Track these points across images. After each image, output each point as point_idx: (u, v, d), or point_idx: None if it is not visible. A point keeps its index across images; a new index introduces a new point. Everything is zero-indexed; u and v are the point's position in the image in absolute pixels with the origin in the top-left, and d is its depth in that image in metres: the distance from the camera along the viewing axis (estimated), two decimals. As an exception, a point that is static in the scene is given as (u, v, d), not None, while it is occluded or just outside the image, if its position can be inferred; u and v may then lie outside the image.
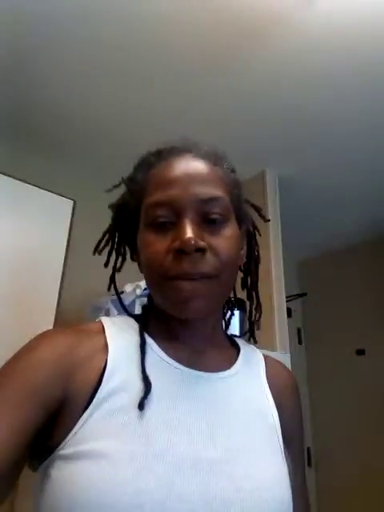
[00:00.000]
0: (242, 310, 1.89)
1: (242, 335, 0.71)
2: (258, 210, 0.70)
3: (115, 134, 2.05)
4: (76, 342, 0.52)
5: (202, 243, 0.51)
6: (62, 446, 0.45)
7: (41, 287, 1.54)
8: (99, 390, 0.48)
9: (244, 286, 0.70)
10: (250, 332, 0.69)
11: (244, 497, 0.46)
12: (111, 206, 0.65)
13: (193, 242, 0.49)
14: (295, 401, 0.66)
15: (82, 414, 0.46)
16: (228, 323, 0.71)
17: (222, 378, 0.57)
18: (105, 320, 0.58)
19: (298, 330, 3.19)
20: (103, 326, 0.56)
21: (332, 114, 1.93)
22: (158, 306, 0.59)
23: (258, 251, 0.69)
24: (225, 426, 0.52)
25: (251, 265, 0.68)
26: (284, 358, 1.88)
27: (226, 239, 0.54)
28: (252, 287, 0.69)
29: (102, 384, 0.48)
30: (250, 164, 2.29)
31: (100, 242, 0.67)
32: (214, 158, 0.59)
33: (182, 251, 0.50)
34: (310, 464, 2.85)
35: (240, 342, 0.67)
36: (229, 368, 0.59)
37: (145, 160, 0.61)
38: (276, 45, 1.59)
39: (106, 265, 0.68)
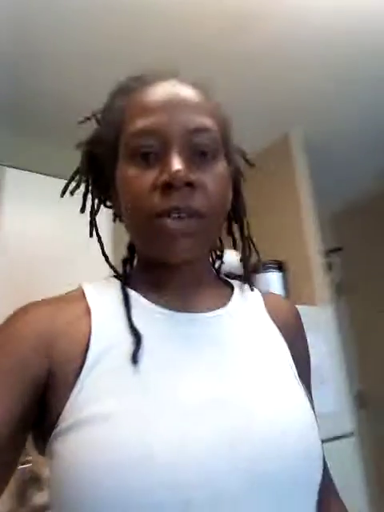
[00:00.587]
0: (282, 271, 1.99)
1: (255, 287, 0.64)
2: (243, 154, 0.63)
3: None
4: (56, 310, 0.49)
5: (192, 176, 0.46)
6: (61, 419, 0.42)
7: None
8: (88, 354, 0.45)
9: (230, 231, 0.64)
10: (245, 278, 0.63)
11: (262, 423, 0.44)
12: (81, 144, 0.58)
13: (182, 174, 0.45)
14: (299, 333, 0.63)
15: (75, 382, 0.43)
16: (218, 270, 0.65)
17: (217, 316, 0.53)
18: (85, 285, 0.54)
19: (338, 285, 3.24)
20: (84, 291, 0.52)
21: (354, 71, 1.92)
22: (141, 252, 0.56)
23: (243, 198, 0.62)
24: (230, 361, 0.49)
25: (238, 210, 0.62)
26: (324, 311, 1.97)
27: (216, 176, 0.49)
28: (242, 231, 0.62)
29: (90, 347, 0.45)
30: (273, 127, 2.32)
31: (69, 183, 0.60)
32: (203, 87, 0.53)
33: (170, 185, 0.45)
34: (362, 406, 2.98)
35: (234, 282, 0.63)
36: (223, 307, 0.55)
37: (124, 85, 0.54)
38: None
39: (82, 210, 0.60)
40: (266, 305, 0.59)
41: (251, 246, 0.62)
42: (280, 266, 2.02)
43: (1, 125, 2.14)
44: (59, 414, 0.43)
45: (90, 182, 0.59)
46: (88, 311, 0.49)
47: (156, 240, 0.48)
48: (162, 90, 0.49)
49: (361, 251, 3.18)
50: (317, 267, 2.14)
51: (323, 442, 1.70)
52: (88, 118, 0.58)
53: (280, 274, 2.00)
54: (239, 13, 1.59)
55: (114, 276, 0.58)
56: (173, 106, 0.48)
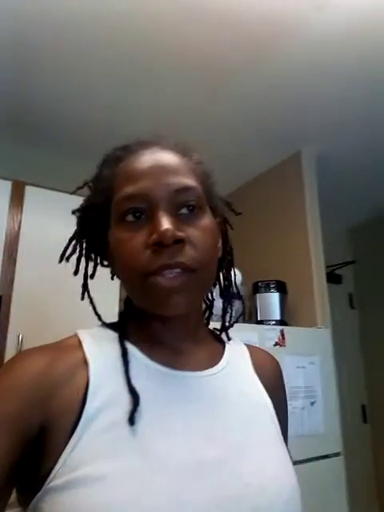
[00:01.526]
0: (282, 292, 2.05)
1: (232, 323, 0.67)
2: (228, 204, 0.66)
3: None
4: (52, 360, 0.48)
5: (180, 234, 0.48)
6: (52, 476, 0.42)
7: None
8: (85, 410, 0.44)
9: (217, 282, 0.65)
10: (223, 331, 0.65)
11: (253, 491, 0.45)
12: (75, 211, 0.61)
13: (170, 233, 0.47)
14: (282, 388, 0.66)
15: (69, 439, 0.43)
16: (208, 321, 0.67)
17: (211, 375, 0.55)
18: (81, 333, 0.54)
19: (350, 295, 3.26)
20: (80, 340, 0.53)
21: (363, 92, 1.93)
22: (137, 307, 0.56)
23: (230, 247, 0.65)
24: (222, 422, 0.51)
25: (225, 261, 0.64)
26: (323, 333, 2.02)
27: (203, 230, 0.51)
28: (228, 283, 0.65)
29: (87, 402, 0.45)
30: (285, 145, 2.35)
31: (66, 249, 0.62)
32: (182, 150, 0.56)
33: (160, 244, 0.47)
34: (365, 420, 3.02)
35: (223, 335, 0.65)
36: (216, 364, 0.57)
37: (110, 156, 0.58)
38: (304, 36, 1.63)
39: (76, 273, 0.62)
40: (252, 360, 0.62)
41: (237, 293, 0.65)
42: (280, 286, 2.08)
43: (21, 144, 2.28)
44: (50, 470, 0.42)
45: (84, 246, 0.62)
46: (85, 362, 0.49)
47: (150, 297, 0.50)
48: (146, 158, 0.53)
49: (373, 265, 3.18)
50: (320, 287, 2.17)
51: (311, 460, 1.76)
52: (81, 187, 0.63)
53: (280, 295, 2.05)
54: (254, 38, 1.64)
55: (108, 325, 0.59)
56: (156, 171, 0.51)
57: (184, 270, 0.48)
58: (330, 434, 1.84)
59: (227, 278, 0.65)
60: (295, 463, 1.71)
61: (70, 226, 0.62)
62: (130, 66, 1.79)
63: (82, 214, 0.61)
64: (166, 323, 0.55)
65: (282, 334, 1.81)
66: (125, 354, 0.51)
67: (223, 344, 0.63)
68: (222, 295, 0.66)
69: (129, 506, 0.39)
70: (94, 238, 0.60)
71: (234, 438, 0.50)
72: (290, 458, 0.55)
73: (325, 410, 1.84)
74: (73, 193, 0.66)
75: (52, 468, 0.42)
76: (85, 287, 0.63)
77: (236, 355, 0.62)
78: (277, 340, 1.78)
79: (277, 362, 0.68)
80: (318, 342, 1.95)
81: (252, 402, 0.56)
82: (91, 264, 0.63)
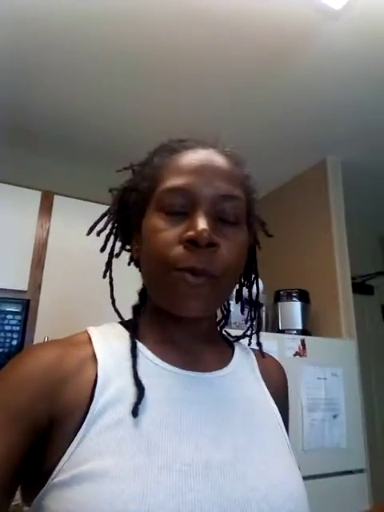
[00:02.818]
0: (305, 301, 2.02)
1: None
2: (262, 224, 0.65)
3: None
4: (61, 355, 0.48)
5: (216, 238, 0.48)
6: (56, 471, 0.42)
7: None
8: (92, 405, 0.45)
9: (239, 299, 0.66)
10: (242, 338, 0.66)
11: (259, 496, 0.44)
12: (113, 190, 0.62)
13: (206, 234, 0.46)
14: (286, 396, 0.65)
15: (75, 434, 0.43)
16: (221, 329, 0.68)
17: (219, 377, 0.55)
18: (91, 329, 0.54)
19: (382, 307, 3.14)
20: (89, 336, 0.53)
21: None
22: (153, 302, 0.56)
23: (256, 266, 0.65)
24: (229, 425, 0.50)
25: (249, 278, 0.65)
26: (348, 344, 1.96)
27: (235, 243, 0.51)
28: (251, 301, 0.65)
29: (95, 398, 0.45)
30: (310, 153, 2.33)
31: (97, 222, 0.63)
32: (236, 159, 0.56)
33: (193, 242, 0.47)
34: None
35: (233, 338, 0.66)
36: (225, 366, 0.57)
37: (166, 146, 0.57)
38: (323, 41, 1.63)
39: (103, 249, 0.63)
40: (259, 366, 0.62)
41: (255, 312, 0.65)
42: (303, 296, 2.04)
43: (49, 155, 2.39)
44: (55, 465, 0.42)
45: (116, 225, 0.62)
46: (94, 358, 0.49)
47: (170, 292, 0.49)
48: (200, 156, 0.53)
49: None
50: (345, 297, 2.12)
51: (334, 474, 1.71)
52: (126, 168, 0.63)
53: (302, 304, 2.02)
54: (275, 44, 1.65)
55: (121, 321, 0.59)
56: (207, 171, 0.51)
57: (208, 277, 0.48)
58: (354, 448, 1.78)
59: (250, 292, 0.65)
60: (315, 477, 1.68)
61: (95, 233, 0.63)
62: (149, 76, 1.84)
63: (121, 194, 0.61)
64: (179, 323, 0.54)
65: (303, 344, 1.78)
66: (134, 350, 0.51)
67: (233, 348, 0.63)
68: (248, 305, 0.66)
69: (132, 504, 0.39)
70: (126, 219, 0.60)
71: (240, 442, 0.49)
72: (296, 464, 0.54)
73: (348, 423, 1.78)
74: (118, 171, 0.66)
75: (57, 463, 0.42)
76: (108, 265, 0.63)
77: (244, 360, 0.62)
78: (297, 350, 1.75)
79: (283, 370, 0.68)
80: (341, 353, 1.90)
81: (259, 407, 0.56)
82: (119, 244, 0.63)
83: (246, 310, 0.66)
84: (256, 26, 1.54)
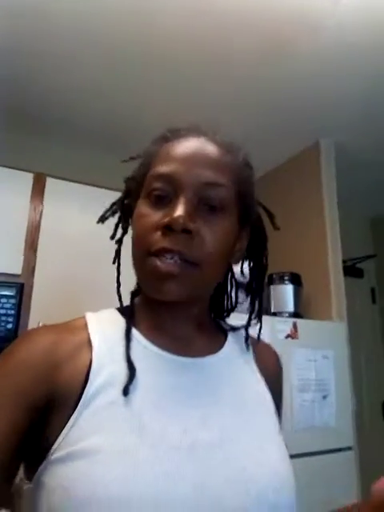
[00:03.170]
0: (297, 284, 2.04)
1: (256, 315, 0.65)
2: (269, 214, 0.67)
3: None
4: (58, 339, 0.50)
5: (191, 225, 0.49)
6: (53, 449, 0.44)
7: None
8: (86, 389, 0.47)
9: (248, 290, 0.66)
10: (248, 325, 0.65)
11: (246, 476, 0.46)
12: (125, 180, 0.64)
13: (181, 220, 0.48)
14: (280, 382, 0.67)
15: (71, 415, 0.45)
16: (228, 315, 0.68)
17: (209, 362, 0.56)
18: (88, 315, 0.56)
19: (372, 290, 3.19)
20: (86, 322, 0.55)
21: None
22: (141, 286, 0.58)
23: (266, 258, 0.66)
24: (217, 408, 0.52)
25: (256, 271, 0.66)
26: (338, 326, 2.00)
27: (217, 230, 0.52)
28: (255, 294, 0.66)
29: (89, 382, 0.47)
30: (303, 135, 2.32)
31: (106, 212, 0.65)
32: (228, 148, 0.56)
33: (169, 228, 0.48)
34: (385, 417, 2.97)
35: (226, 326, 0.67)
36: (216, 352, 0.59)
37: (162, 135, 0.59)
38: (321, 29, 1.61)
39: (112, 237, 0.65)
40: (254, 352, 0.64)
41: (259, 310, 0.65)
42: (295, 279, 2.07)
43: (45, 138, 2.35)
44: (53, 443, 0.45)
45: (121, 213, 0.64)
46: (89, 344, 0.51)
47: (146, 278, 0.52)
48: (189, 144, 0.54)
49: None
50: (336, 280, 2.15)
51: (323, 452, 1.76)
52: (133, 158, 0.64)
53: (294, 287, 2.05)
54: (272, 30, 1.63)
55: (118, 308, 0.61)
56: (192, 159, 0.52)
57: (184, 261, 0.49)
58: (342, 428, 1.84)
59: (258, 288, 0.66)
60: (306, 455, 1.73)
61: (89, 215, 0.64)
62: (148, 62, 1.81)
63: (126, 182, 0.63)
64: (168, 308, 0.56)
65: (295, 327, 1.81)
66: (127, 335, 0.53)
67: (226, 334, 0.64)
68: (249, 294, 0.66)
69: (122, 481, 0.41)
70: (128, 207, 0.62)
71: (228, 424, 0.51)
72: (286, 449, 0.56)
73: (338, 404, 1.83)
74: (124, 161, 0.66)
75: (54, 442, 0.45)
76: (118, 253, 0.65)
77: (238, 346, 0.63)
78: (289, 332, 1.78)
79: (278, 357, 0.69)
80: (332, 335, 1.93)
81: (250, 392, 0.58)
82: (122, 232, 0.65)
83: (249, 298, 0.66)
84: (256, 15, 1.53)
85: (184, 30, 1.63)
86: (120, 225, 0.64)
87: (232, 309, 0.68)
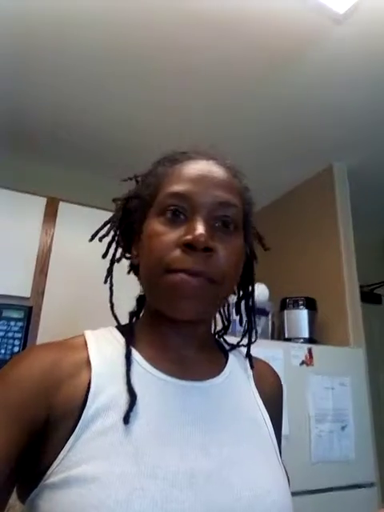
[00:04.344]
0: (312, 309, 1.98)
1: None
2: (259, 237, 0.69)
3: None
4: (58, 358, 0.50)
5: (212, 243, 0.50)
6: (49, 473, 0.43)
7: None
8: (85, 411, 0.46)
9: (238, 311, 0.68)
10: (247, 351, 0.66)
11: (244, 505, 0.45)
12: (117, 199, 0.64)
13: (203, 238, 0.48)
14: (280, 404, 0.66)
15: (68, 438, 0.44)
16: (222, 335, 0.69)
17: (211, 386, 0.56)
18: (87, 334, 0.56)
19: (391, 316, 3.09)
20: (86, 340, 0.54)
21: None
22: (150, 307, 0.58)
23: (253, 277, 0.67)
24: (218, 435, 0.51)
25: (247, 288, 0.67)
26: (356, 352, 1.92)
27: (232, 248, 0.53)
28: (248, 310, 0.67)
29: (88, 404, 0.46)
30: (316, 159, 2.31)
31: (100, 229, 0.65)
32: (234, 171, 0.59)
33: (190, 246, 0.49)
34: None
35: (227, 345, 0.67)
36: (218, 374, 0.58)
37: (168, 156, 0.60)
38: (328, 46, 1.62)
39: (105, 255, 0.65)
40: (253, 373, 0.63)
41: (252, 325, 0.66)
42: (310, 303, 2.01)
43: (54, 162, 2.40)
44: (49, 466, 0.44)
45: (118, 232, 0.64)
46: (88, 364, 0.50)
47: (166, 294, 0.51)
48: (201, 166, 0.56)
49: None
50: (353, 305, 2.08)
51: (343, 488, 1.66)
52: (130, 178, 0.66)
53: (309, 312, 1.98)
54: (278, 50, 1.65)
55: (118, 326, 0.60)
56: (207, 180, 0.54)
57: (206, 279, 0.50)
58: (363, 461, 1.73)
59: (250, 301, 0.67)
60: (324, 490, 1.61)
61: (98, 239, 0.65)
62: (150, 82, 1.85)
63: (124, 202, 0.63)
64: (175, 327, 0.56)
65: (310, 353, 1.74)
66: (128, 357, 0.52)
67: (227, 355, 0.63)
68: (246, 313, 0.67)
69: (117, 509, 0.40)
70: (127, 226, 0.63)
71: (228, 451, 0.50)
72: (287, 475, 0.54)
73: (357, 435, 1.73)
74: (123, 180, 0.68)
75: (50, 465, 0.44)
76: (110, 272, 0.65)
77: (238, 367, 0.63)
78: (304, 359, 1.71)
79: (279, 378, 0.68)
80: (349, 362, 1.85)
81: (250, 417, 0.56)
82: (120, 250, 0.65)
83: (244, 320, 0.67)
84: (260, 30, 1.54)
85: (187, 45, 1.64)
86: (113, 244, 0.65)
87: (228, 326, 0.69)
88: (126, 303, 0.65)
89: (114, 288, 0.64)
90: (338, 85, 1.80)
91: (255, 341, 0.65)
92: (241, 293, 0.67)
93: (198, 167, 0.56)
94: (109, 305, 0.63)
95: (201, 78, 1.81)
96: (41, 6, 1.47)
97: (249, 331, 0.65)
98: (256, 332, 0.66)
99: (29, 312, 1.75)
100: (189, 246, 0.49)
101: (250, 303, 0.67)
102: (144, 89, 1.88)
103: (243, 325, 0.67)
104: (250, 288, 0.67)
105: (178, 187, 0.53)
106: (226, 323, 0.69)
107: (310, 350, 1.75)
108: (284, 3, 1.42)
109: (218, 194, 0.53)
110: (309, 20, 1.49)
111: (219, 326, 0.69)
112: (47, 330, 1.80)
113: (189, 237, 0.49)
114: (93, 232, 0.65)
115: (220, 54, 1.67)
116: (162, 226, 0.52)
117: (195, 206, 0.52)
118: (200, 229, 0.49)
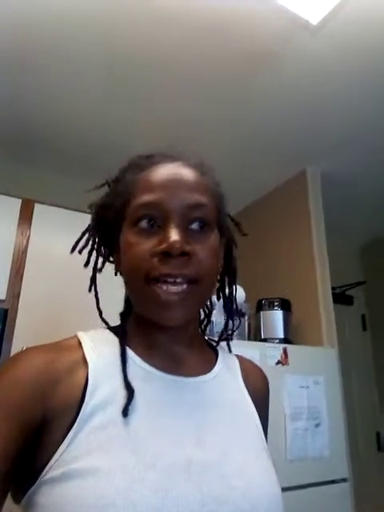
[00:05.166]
0: (286, 310, 2.03)
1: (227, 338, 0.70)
2: (236, 224, 0.70)
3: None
4: (53, 358, 0.51)
5: (188, 247, 0.51)
6: (47, 469, 0.44)
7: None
8: (83, 407, 0.47)
9: (219, 297, 0.69)
10: (226, 341, 0.70)
11: (237, 494, 0.47)
12: (92, 206, 0.65)
13: (178, 244, 0.50)
14: (267, 401, 0.68)
15: (67, 433, 0.45)
16: (204, 329, 0.71)
17: (203, 382, 0.58)
18: (80, 334, 0.57)
19: (363, 317, 3.18)
20: (80, 341, 0.55)
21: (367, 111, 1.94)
22: (136, 311, 0.59)
23: (235, 265, 0.69)
24: (212, 427, 0.53)
25: (228, 277, 0.68)
26: (329, 352, 1.97)
27: (208, 247, 0.54)
28: (229, 299, 0.69)
29: (85, 401, 0.48)
30: (290, 164, 2.37)
31: (78, 241, 0.66)
32: (201, 168, 0.60)
33: (167, 254, 0.50)
34: (380, 448, 2.90)
35: (215, 344, 0.69)
36: (209, 371, 0.60)
37: (135, 163, 0.61)
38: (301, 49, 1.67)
39: (86, 265, 0.66)
40: (242, 371, 0.66)
41: (235, 310, 0.69)
42: (285, 305, 2.05)
43: (31, 163, 2.37)
44: (46, 463, 0.45)
45: (96, 240, 0.65)
46: (84, 362, 0.52)
47: (150, 304, 0.52)
48: (167, 171, 0.56)
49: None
50: (326, 306, 2.14)
51: (317, 484, 1.69)
52: (102, 185, 0.66)
53: (284, 313, 2.03)
54: (258, 54, 1.67)
55: (108, 328, 0.62)
56: (174, 185, 0.55)
57: (187, 281, 0.51)
58: (336, 458, 1.77)
59: (230, 294, 0.69)
60: (300, 487, 1.65)
61: (78, 251, 0.65)
62: (126, 82, 1.85)
63: (98, 210, 0.64)
64: (163, 330, 0.57)
65: (285, 353, 1.78)
66: (123, 355, 0.54)
67: (216, 353, 0.66)
68: (224, 310, 0.69)
69: (118, 500, 0.41)
70: (105, 234, 0.63)
71: (221, 443, 0.52)
72: (273, 466, 0.57)
73: (331, 432, 1.78)
74: (89, 191, 0.68)
75: (48, 461, 0.45)
76: (93, 280, 0.67)
77: (227, 365, 0.65)
78: (279, 358, 1.75)
79: (266, 377, 0.71)
80: (323, 361, 1.90)
81: (240, 411, 0.59)
82: (101, 259, 0.66)
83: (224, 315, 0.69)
84: (237, 36, 1.58)
85: (166, 51, 1.67)
86: (93, 252, 0.66)
87: (208, 323, 0.71)
88: (113, 301, 0.66)
89: (98, 292, 0.66)
90: (313, 90, 1.85)
91: (238, 327, 0.68)
92: (225, 280, 0.68)
93: (165, 173, 0.56)
94: (93, 310, 0.65)
95: (176, 80, 1.82)
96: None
97: (230, 315, 0.68)
98: (239, 320, 0.70)
99: (4, 315, 1.72)
100: (165, 254, 0.50)
101: (232, 297, 0.69)
102: (119, 88, 1.88)
103: (226, 318, 0.69)
104: (232, 276, 0.68)
105: (147, 197, 0.54)
106: (206, 312, 0.70)
107: (285, 350, 1.78)
108: (258, 11, 1.46)
109: (187, 196, 0.54)
110: (284, 30, 1.53)
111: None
112: (23, 333, 1.77)
113: (164, 245, 0.50)
114: (69, 233, 0.67)
115: (195, 60, 1.69)
116: (137, 236, 0.53)
117: (167, 213, 0.53)
118: (174, 236, 0.50)
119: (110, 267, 0.67)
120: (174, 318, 0.52)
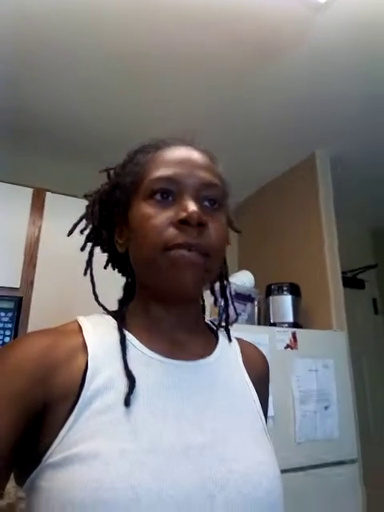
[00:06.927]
0: (296, 294, 2.04)
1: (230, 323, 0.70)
2: (229, 219, 0.69)
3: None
4: (53, 342, 0.51)
5: (204, 218, 0.53)
6: (49, 453, 0.45)
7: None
8: (83, 392, 0.48)
9: (213, 290, 0.71)
10: (219, 327, 0.69)
11: (236, 477, 0.48)
12: (88, 195, 0.67)
13: (196, 215, 0.52)
14: (267, 384, 0.69)
15: (67, 418, 0.46)
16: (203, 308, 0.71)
17: (203, 365, 0.58)
18: (81, 319, 0.57)
19: (374, 301, 3.17)
20: (80, 325, 0.56)
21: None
22: (142, 291, 0.60)
23: (225, 263, 0.70)
24: (211, 411, 0.53)
25: (225, 268, 0.70)
26: (339, 336, 1.98)
27: (220, 224, 0.57)
28: (223, 288, 0.70)
29: (85, 385, 0.48)
30: (299, 147, 2.35)
31: (76, 224, 0.67)
32: (211, 155, 0.62)
33: (185, 222, 0.52)
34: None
35: (214, 326, 0.69)
36: (209, 354, 0.60)
37: (149, 145, 0.63)
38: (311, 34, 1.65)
39: (82, 249, 0.67)
40: (242, 354, 0.66)
41: (230, 303, 0.70)
42: (294, 289, 2.06)
43: (43, 153, 2.39)
44: (48, 447, 0.45)
45: (96, 224, 0.65)
46: (84, 347, 0.52)
47: (168, 270, 0.53)
48: (181, 152, 0.59)
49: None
50: (335, 290, 2.14)
51: (326, 465, 1.72)
52: (109, 169, 0.68)
53: (293, 297, 2.04)
54: (260, 39, 1.66)
55: (108, 313, 0.62)
56: (190, 163, 0.58)
57: (199, 253, 0.53)
58: (346, 439, 1.80)
59: (226, 279, 0.70)
60: (309, 467, 1.68)
61: (87, 230, 0.66)
62: (136, 77, 1.85)
63: (99, 195, 0.65)
64: (168, 309, 0.58)
65: (294, 337, 1.79)
66: (123, 340, 0.54)
67: (217, 336, 0.66)
68: (222, 295, 0.70)
69: (119, 483, 0.42)
70: (106, 217, 0.64)
71: (221, 426, 0.53)
72: (272, 449, 0.57)
73: (340, 415, 1.80)
74: (102, 171, 0.69)
75: (50, 445, 0.45)
76: (89, 264, 0.66)
77: (228, 348, 0.65)
78: (288, 342, 1.77)
79: (266, 359, 0.71)
80: (332, 345, 1.92)
81: (240, 394, 0.60)
82: (99, 248, 0.67)
83: (221, 301, 0.70)
84: (241, 22, 1.56)
85: (171, 39, 1.66)
86: (92, 235, 0.66)
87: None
88: (113, 290, 0.67)
89: (100, 278, 0.66)
90: (321, 75, 1.82)
91: (237, 317, 0.67)
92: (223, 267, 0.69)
93: (179, 152, 0.59)
94: (105, 297, 0.65)
95: (185, 74, 1.82)
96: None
97: (226, 307, 0.69)
98: (234, 309, 0.71)
99: (19, 302, 1.77)
100: (183, 223, 0.52)
101: (228, 276, 0.70)
102: (130, 83, 1.89)
103: (222, 306, 0.70)
104: (225, 273, 0.70)
105: (164, 171, 0.56)
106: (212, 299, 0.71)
107: (294, 334, 1.80)
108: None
109: (202, 175, 0.57)
110: (290, 10, 1.51)
111: (209, 313, 0.71)
112: (37, 320, 1.81)
113: (183, 214, 0.52)
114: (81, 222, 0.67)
115: (202, 48, 1.68)
116: (153, 208, 0.55)
117: (183, 187, 0.55)
118: (192, 206, 0.53)
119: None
120: (188, 285, 0.53)
